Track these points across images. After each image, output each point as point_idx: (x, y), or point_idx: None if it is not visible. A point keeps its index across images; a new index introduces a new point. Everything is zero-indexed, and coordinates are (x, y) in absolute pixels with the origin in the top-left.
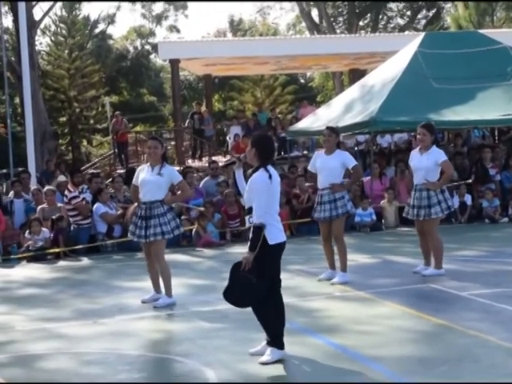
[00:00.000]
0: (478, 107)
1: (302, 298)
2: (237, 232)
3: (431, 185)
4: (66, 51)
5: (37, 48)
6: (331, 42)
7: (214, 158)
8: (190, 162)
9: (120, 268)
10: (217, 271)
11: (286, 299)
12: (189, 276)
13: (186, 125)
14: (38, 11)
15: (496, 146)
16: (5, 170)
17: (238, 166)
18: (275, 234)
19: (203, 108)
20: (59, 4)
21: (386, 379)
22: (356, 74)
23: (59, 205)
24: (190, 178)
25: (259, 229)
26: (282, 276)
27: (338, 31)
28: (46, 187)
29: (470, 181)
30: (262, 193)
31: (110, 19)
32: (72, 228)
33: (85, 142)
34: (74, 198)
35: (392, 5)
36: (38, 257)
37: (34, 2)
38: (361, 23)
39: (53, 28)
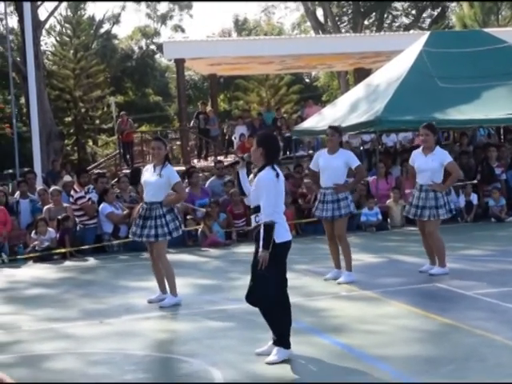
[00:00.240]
0: (483, 106)
1: (309, 298)
2: (243, 231)
3: (438, 186)
4: (71, 51)
5: (42, 48)
6: (336, 41)
7: (219, 158)
8: (195, 161)
9: (126, 268)
10: (223, 271)
11: (293, 299)
12: (195, 276)
13: (192, 125)
14: (43, 11)
15: (502, 145)
16: (11, 171)
17: (242, 166)
18: (282, 232)
19: (208, 108)
20: (64, 4)
21: (392, 379)
22: (361, 74)
23: (65, 205)
24: (196, 178)
25: (270, 226)
26: (289, 276)
27: (342, 30)
28: (52, 187)
29: (475, 181)
30: (270, 191)
31: (115, 19)
32: (78, 228)
33: (90, 142)
34: (80, 198)
35: (397, 4)
36: (45, 257)
37: (39, 3)
38: (366, 22)
39: (58, 28)
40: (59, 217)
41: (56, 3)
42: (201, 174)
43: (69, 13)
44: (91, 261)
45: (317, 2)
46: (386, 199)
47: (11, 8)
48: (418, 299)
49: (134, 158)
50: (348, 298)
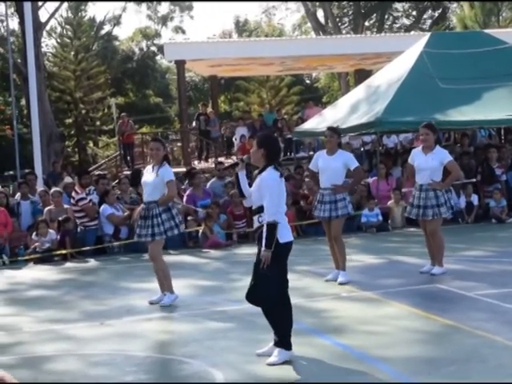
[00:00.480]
0: (483, 107)
1: (309, 299)
2: (243, 233)
3: (437, 185)
4: (72, 53)
5: (43, 50)
6: (337, 42)
7: (220, 159)
8: (196, 163)
9: (127, 269)
10: (224, 272)
11: (294, 300)
12: (196, 277)
13: (192, 126)
14: (43, 13)
15: (502, 146)
16: (11, 172)
17: (241, 168)
18: (285, 233)
19: (209, 109)
20: (65, 5)
21: (393, 379)
22: (362, 75)
23: (66, 206)
24: (198, 179)
25: (274, 226)
26: (290, 277)
27: (343, 32)
28: (53, 189)
29: (474, 180)
30: (273, 191)
31: (116, 21)
32: (79, 229)
33: (91, 144)
34: (81, 199)
35: (398, 5)
36: (45, 258)
37: (39, 4)
38: (366, 23)
39: (59, 30)
40: (60, 218)
41: (57, 4)
42: (201, 176)
43: (69, 14)
44: (92, 262)
45: (317, 3)
46: (387, 200)
47: (12, 9)
48: (418, 300)
49: (135, 159)
50: (349, 299)
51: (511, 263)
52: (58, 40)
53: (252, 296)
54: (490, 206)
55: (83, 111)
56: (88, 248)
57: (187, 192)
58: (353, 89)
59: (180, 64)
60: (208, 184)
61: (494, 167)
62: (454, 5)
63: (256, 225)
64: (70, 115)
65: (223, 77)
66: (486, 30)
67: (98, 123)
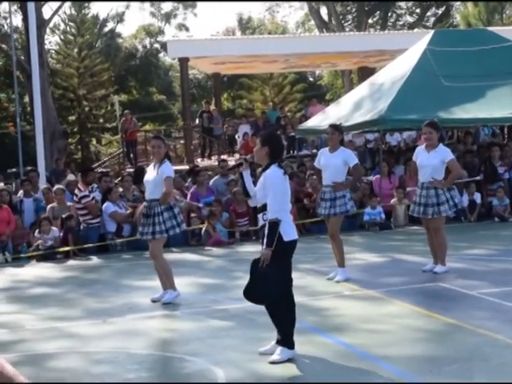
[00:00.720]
0: (487, 105)
1: (312, 297)
2: (246, 231)
3: (438, 183)
4: (75, 50)
5: (46, 47)
6: (340, 40)
7: (223, 157)
8: (199, 160)
9: (129, 267)
10: (226, 270)
11: (296, 298)
12: (198, 275)
13: (196, 123)
14: (47, 10)
15: (505, 145)
16: (14, 169)
17: (245, 168)
18: (289, 231)
19: (212, 106)
20: (68, 3)
21: (396, 378)
22: (365, 72)
23: (69, 204)
24: (202, 176)
25: (276, 224)
26: (292, 275)
27: (347, 29)
28: (56, 186)
29: (477, 178)
30: (277, 188)
31: (119, 18)
32: (81, 227)
33: (94, 141)
34: (84, 197)
35: (401, 2)
36: (48, 256)
37: (43, 1)
38: (370, 21)
39: (62, 27)
40: (63, 216)
41: (60, 2)
42: (205, 173)
43: (73, 11)
44: (94, 260)
45: (321, 1)
46: (389, 198)
47: (15, 7)
48: (421, 299)
49: (138, 156)
50: (351, 298)
51: None
52: (62, 37)
53: (250, 293)
54: (492, 204)
55: (86, 108)
56: (91, 245)
57: (191, 190)
58: (356, 86)
59: (183, 61)
60: (211, 181)
61: (496, 165)
62: (458, 2)
63: (261, 223)
64: (73, 112)
65: (226, 74)
66: (490, 28)
67: (101, 120)
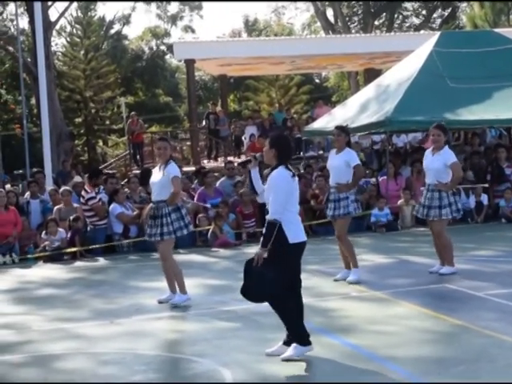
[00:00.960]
0: (493, 106)
1: (319, 298)
2: (252, 232)
3: (442, 186)
4: (82, 52)
5: (52, 49)
6: (346, 41)
7: (229, 158)
8: (205, 162)
9: (136, 268)
10: (233, 271)
11: (303, 299)
12: (205, 276)
13: (202, 125)
14: (53, 12)
15: None
16: (21, 171)
17: (254, 165)
18: (296, 232)
19: (218, 108)
20: (75, 5)
21: (403, 379)
22: (371, 74)
23: (75, 205)
24: (210, 178)
25: (273, 225)
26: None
27: (353, 31)
28: (63, 188)
29: (486, 185)
30: (280, 188)
31: (126, 20)
32: (88, 228)
33: (100, 143)
34: (91, 198)
35: (407, 4)
36: (55, 257)
37: (49, 3)
38: (376, 23)
39: (68, 29)
40: (70, 217)
41: (66, 4)
42: (213, 175)
43: (79, 13)
44: (101, 261)
45: (327, 3)
46: (396, 200)
47: (22, 9)
48: (428, 300)
49: (144, 158)
50: (358, 299)
51: None
52: (68, 39)
53: (246, 292)
54: (499, 205)
55: (93, 110)
56: (97, 246)
57: (198, 191)
58: (362, 88)
59: (190, 63)
60: (217, 183)
61: (503, 167)
62: (464, 4)
63: None
64: (80, 114)
65: (233, 76)
66: (496, 29)
67: (107, 122)
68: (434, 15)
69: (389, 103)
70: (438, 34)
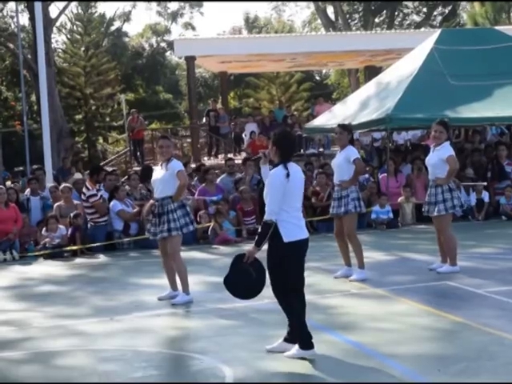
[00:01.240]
0: (494, 104)
1: (319, 296)
2: (253, 229)
3: (439, 181)
4: (82, 49)
5: (53, 46)
6: (347, 39)
7: (229, 156)
8: (205, 159)
9: (137, 265)
10: None
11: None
12: (205, 273)
13: (202, 122)
14: (54, 9)
15: None
16: (21, 168)
17: (264, 162)
18: (292, 231)
19: (219, 105)
20: (75, 2)
21: (403, 376)
22: (372, 71)
23: (75, 202)
24: (212, 175)
25: (268, 225)
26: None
27: (353, 28)
28: (63, 184)
29: (485, 183)
30: (275, 189)
31: (126, 17)
32: (89, 226)
33: (101, 140)
34: (92, 196)
35: (408, 1)
36: (55, 254)
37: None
38: (376, 20)
39: (69, 26)
40: (71, 214)
41: (67, 1)
42: (214, 172)
43: (80, 10)
44: (102, 258)
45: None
46: (396, 197)
47: (22, 6)
48: (428, 297)
49: (145, 155)
50: (358, 296)
51: None
52: (68, 36)
53: (227, 284)
54: (500, 203)
55: (93, 107)
56: (98, 244)
57: (198, 188)
58: (363, 85)
59: (190, 60)
60: (218, 180)
61: (504, 164)
62: (465, 1)
63: None
64: (80, 111)
65: (233, 73)
66: (497, 27)
67: (107, 119)
68: (435, 13)
69: (389, 101)
70: (438, 31)
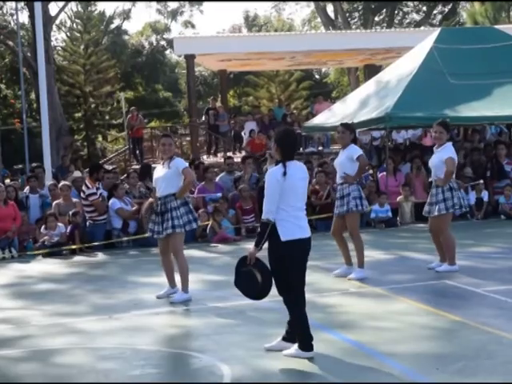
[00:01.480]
0: (494, 103)
1: (318, 294)
2: (252, 227)
3: (438, 181)
4: (82, 47)
5: (52, 44)
6: (346, 37)
7: (229, 154)
8: (204, 157)
9: (135, 263)
10: (232, 267)
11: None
12: (204, 272)
13: (202, 120)
14: (53, 7)
15: None
16: (20, 166)
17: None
18: (290, 230)
19: (218, 104)
20: (75, 1)
21: (402, 375)
22: (371, 70)
23: (74, 200)
24: (211, 173)
25: (265, 225)
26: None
27: (353, 27)
28: (62, 182)
29: (481, 181)
30: (271, 188)
31: (126, 15)
32: (88, 224)
33: (100, 138)
34: (92, 194)
35: (407, 0)
36: (54, 252)
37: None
38: (376, 19)
39: (68, 23)
40: (70, 212)
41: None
42: (214, 170)
43: (79, 8)
44: (100, 256)
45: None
46: (395, 196)
47: (22, 3)
48: (427, 296)
49: (144, 153)
50: (357, 295)
51: None
52: (68, 34)
53: (239, 287)
54: (499, 202)
55: (92, 105)
56: (97, 243)
57: (198, 186)
58: (362, 84)
59: (189, 58)
60: (217, 178)
61: (503, 163)
62: (464, 0)
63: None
64: (80, 109)
65: (232, 71)
66: (497, 26)
67: (107, 117)
68: (435, 11)
69: (389, 99)
70: (438, 30)
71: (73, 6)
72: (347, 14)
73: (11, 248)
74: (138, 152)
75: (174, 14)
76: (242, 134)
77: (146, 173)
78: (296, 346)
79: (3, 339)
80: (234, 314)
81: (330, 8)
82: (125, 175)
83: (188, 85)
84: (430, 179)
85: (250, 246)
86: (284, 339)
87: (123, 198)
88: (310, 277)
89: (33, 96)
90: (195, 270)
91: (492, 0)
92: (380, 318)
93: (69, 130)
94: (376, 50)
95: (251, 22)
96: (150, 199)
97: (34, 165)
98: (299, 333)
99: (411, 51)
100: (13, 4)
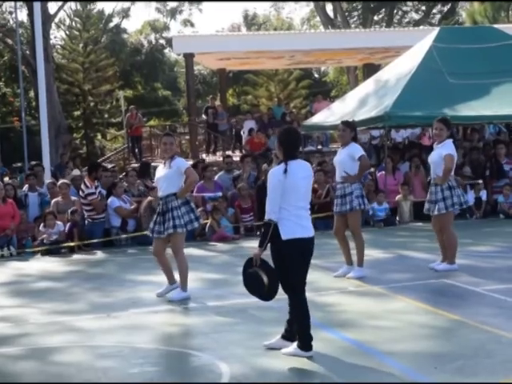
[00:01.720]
0: (493, 102)
1: (317, 293)
2: (250, 226)
3: (437, 179)
4: (81, 45)
5: (51, 42)
6: (346, 36)
7: (228, 153)
8: (203, 156)
9: (134, 262)
10: (231, 265)
11: None
12: (203, 270)
13: (201, 119)
14: (52, 5)
15: (511, 142)
16: (19, 164)
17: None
18: (291, 229)
19: (217, 102)
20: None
21: (401, 374)
22: (370, 69)
23: (73, 198)
24: (210, 172)
25: (268, 225)
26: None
27: (352, 26)
28: (61, 181)
29: (480, 181)
30: (273, 188)
31: (125, 13)
32: (86, 222)
33: (99, 136)
34: (91, 194)
35: (407, 0)
36: (53, 250)
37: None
38: (375, 18)
39: (67, 22)
40: (69, 210)
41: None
42: (213, 169)
43: (78, 6)
44: (99, 254)
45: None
46: (394, 195)
47: (21, 2)
48: (426, 295)
49: (143, 152)
50: (356, 294)
51: None
52: (67, 32)
53: (248, 288)
54: (498, 201)
55: (91, 104)
56: (95, 241)
57: (197, 184)
58: (361, 83)
59: (188, 57)
60: (216, 177)
61: (502, 163)
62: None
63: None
64: (79, 107)
65: (232, 70)
66: (496, 25)
67: (106, 116)
68: (434, 11)
69: (388, 98)
70: (437, 29)
71: (72, 4)
72: (346, 13)
73: (10, 246)
74: (136, 150)
75: (173, 13)
76: (241, 132)
77: (145, 171)
78: (295, 344)
79: (1, 337)
80: (233, 313)
81: (329, 7)
82: (124, 173)
83: (187, 83)
84: (428, 178)
85: (248, 244)
86: (283, 337)
87: (122, 196)
88: (309, 276)
89: (32, 94)
90: (194, 268)
91: (491, 0)
92: (379, 316)
93: (68, 129)
94: (375, 49)
95: (250, 21)
96: (149, 198)
97: (32, 163)
98: (299, 332)
99: (410, 50)
100: (12, 2)
